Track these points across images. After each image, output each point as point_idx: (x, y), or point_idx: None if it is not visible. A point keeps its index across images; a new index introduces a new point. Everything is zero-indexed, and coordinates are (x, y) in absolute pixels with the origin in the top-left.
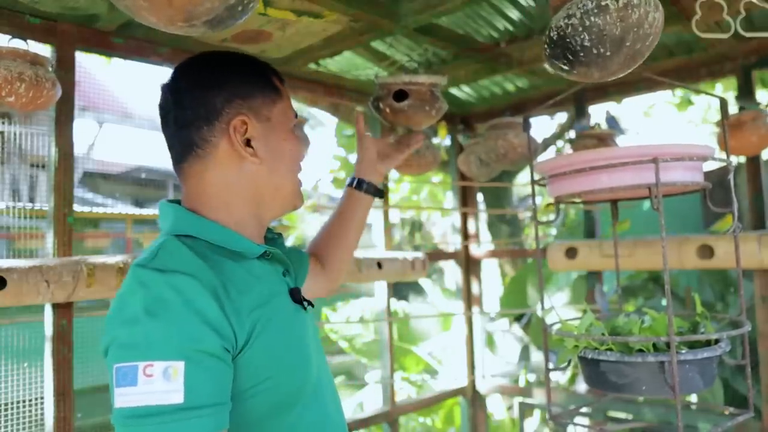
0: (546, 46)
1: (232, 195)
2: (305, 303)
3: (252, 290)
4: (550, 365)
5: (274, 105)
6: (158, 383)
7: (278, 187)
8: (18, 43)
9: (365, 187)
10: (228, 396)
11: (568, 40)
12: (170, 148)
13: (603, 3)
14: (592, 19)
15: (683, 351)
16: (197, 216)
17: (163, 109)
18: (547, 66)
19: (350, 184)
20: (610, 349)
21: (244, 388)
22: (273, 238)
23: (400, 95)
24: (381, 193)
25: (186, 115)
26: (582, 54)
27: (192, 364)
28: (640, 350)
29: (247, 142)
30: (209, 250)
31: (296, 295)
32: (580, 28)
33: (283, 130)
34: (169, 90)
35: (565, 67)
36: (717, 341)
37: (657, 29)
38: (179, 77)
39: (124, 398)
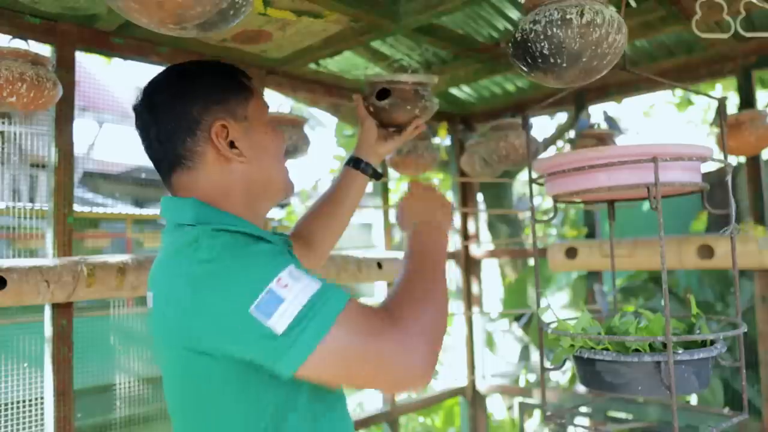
0: (510, 44)
1: (226, 196)
2: None
3: None
4: (547, 364)
5: (248, 103)
6: (294, 285)
7: (269, 180)
8: (19, 43)
9: (363, 167)
10: None
11: (529, 44)
12: (157, 163)
13: (568, 17)
14: (555, 29)
15: (679, 351)
16: (213, 208)
17: (142, 128)
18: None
19: (348, 163)
20: (607, 349)
21: None
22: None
23: (383, 93)
24: (378, 174)
25: (167, 130)
26: (540, 60)
27: (296, 262)
28: (636, 350)
29: (231, 144)
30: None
31: None
32: (542, 36)
33: (261, 124)
34: (144, 108)
35: (524, 69)
36: (713, 342)
37: (616, 50)
38: (152, 94)
39: (284, 318)
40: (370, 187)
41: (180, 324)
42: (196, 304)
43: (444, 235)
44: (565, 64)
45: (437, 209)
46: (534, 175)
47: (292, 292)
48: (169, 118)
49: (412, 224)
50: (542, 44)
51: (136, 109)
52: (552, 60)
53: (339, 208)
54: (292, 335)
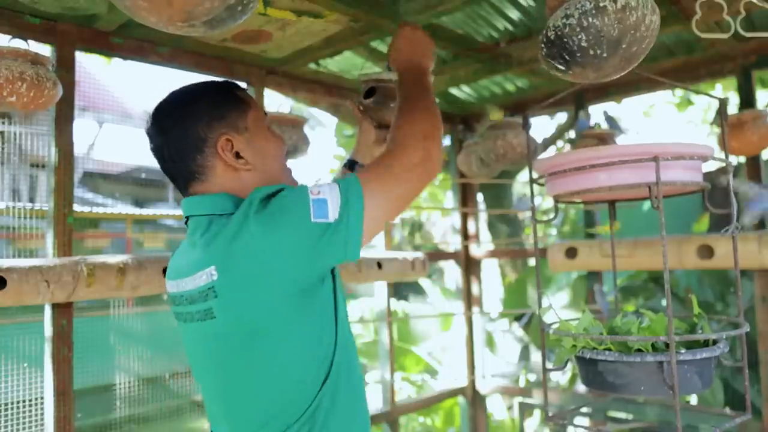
0: (542, 45)
1: (246, 192)
2: None
3: None
4: (549, 365)
5: (247, 115)
6: (324, 189)
7: (275, 181)
8: (19, 43)
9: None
10: None
11: (565, 40)
12: (173, 179)
13: (601, 4)
14: (590, 20)
15: (682, 351)
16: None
17: (156, 150)
18: (543, 65)
19: (346, 165)
20: (609, 349)
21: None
22: None
23: (370, 92)
24: None
25: (178, 150)
26: (579, 54)
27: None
28: (639, 350)
29: (237, 155)
30: None
31: None
32: (578, 29)
33: (261, 132)
34: (155, 133)
35: (561, 67)
36: (715, 342)
37: (653, 32)
38: (160, 119)
39: (333, 208)
40: None
41: (266, 270)
42: (274, 247)
43: (428, 71)
44: (605, 54)
45: (424, 50)
46: (535, 175)
47: (328, 193)
48: (178, 139)
49: (403, 62)
50: (579, 37)
51: (148, 133)
52: (591, 52)
53: None
54: (345, 217)
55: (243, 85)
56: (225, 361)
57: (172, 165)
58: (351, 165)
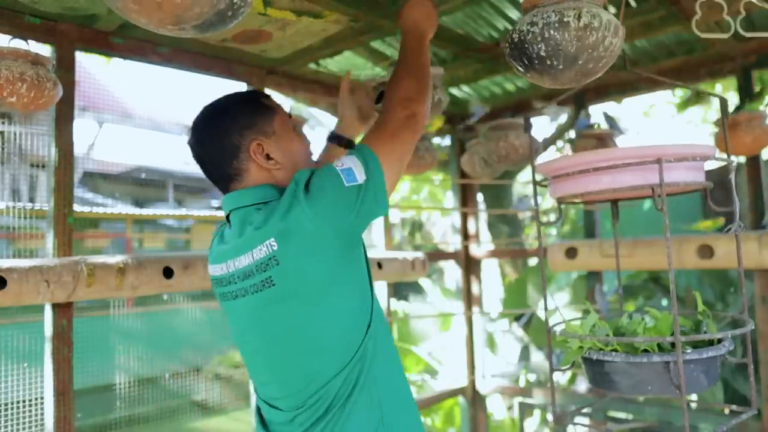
0: (507, 45)
1: (278, 185)
2: None
3: None
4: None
5: (273, 119)
6: (347, 159)
7: None
8: (19, 43)
9: (345, 143)
10: None
11: (526, 46)
12: (215, 182)
13: (565, 19)
14: (552, 32)
15: (688, 350)
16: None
17: (198, 159)
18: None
19: (330, 139)
20: (615, 350)
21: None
22: None
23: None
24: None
25: (216, 157)
26: (537, 62)
27: None
28: (645, 350)
29: (267, 156)
30: None
31: None
32: (539, 38)
33: (286, 134)
34: (195, 144)
35: (521, 69)
36: (720, 340)
37: (612, 53)
38: (198, 132)
39: (361, 174)
40: None
41: (318, 234)
42: (323, 215)
43: (428, 37)
44: (561, 67)
45: (430, 18)
46: (537, 177)
47: (350, 163)
48: (215, 149)
49: (410, 25)
50: (539, 46)
51: (190, 144)
52: (548, 62)
53: None
54: (371, 176)
55: (243, 85)
56: (282, 324)
57: (213, 170)
58: (339, 139)
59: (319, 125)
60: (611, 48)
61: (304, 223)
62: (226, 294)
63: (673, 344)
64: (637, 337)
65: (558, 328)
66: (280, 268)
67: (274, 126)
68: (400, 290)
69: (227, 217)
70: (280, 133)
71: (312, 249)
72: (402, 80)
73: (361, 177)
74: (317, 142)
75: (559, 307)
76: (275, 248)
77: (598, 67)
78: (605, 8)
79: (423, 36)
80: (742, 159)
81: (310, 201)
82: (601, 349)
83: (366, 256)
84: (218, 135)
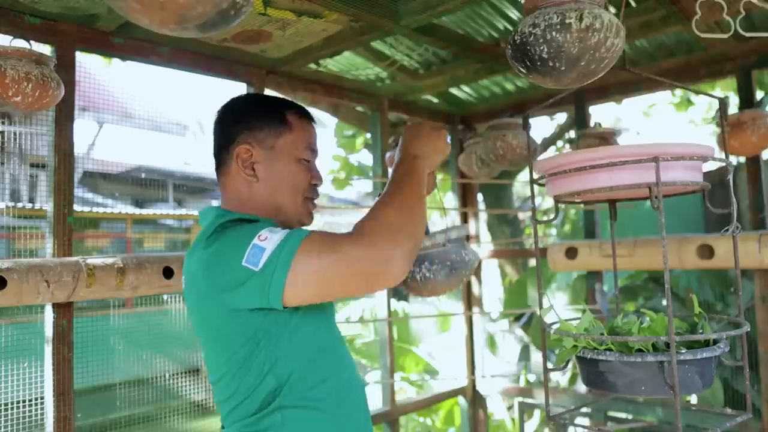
0: (509, 46)
1: (244, 204)
2: None
3: None
4: (549, 365)
5: (280, 136)
6: (273, 237)
7: (278, 205)
8: (21, 43)
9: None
10: None
11: (528, 47)
12: (216, 170)
13: (567, 21)
14: (554, 34)
15: (682, 351)
16: (232, 212)
17: (213, 139)
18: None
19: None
20: (610, 349)
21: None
22: None
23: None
24: None
25: (219, 142)
26: (539, 63)
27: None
28: (639, 350)
29: (252, 166)
30: None
31: None
32: (541, 40)
33: (286, 157)
34: (214, 123)
35: (522, 71)
36: (716, 341)
37: (614, 54)
38: (219, 114)
39: (264, 258)
40: (369, 186)
41: (205, 294)
42: (209, 278)
43: (424, 169)
44: (563, 68)
45: (437, 152)
46: (535, 176)
47: (270, 241)
48: (219, 133)
49: (409, 155)
50: (541, 48)
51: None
52: (551, 63)
53: None
54: (270, 267)
55: (243, 85)
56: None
57: (214, 152)
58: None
59: (319, 125)
60: (613, 49)
61: (197, 273)
62: None
63: (667, 344)
64: (631, 336)
65: (554, 327)
66: (188, 306)
67: (277, 142)
68: (400, 290)
69: None
70: (279, 154)
71: (196, 300)
72: (383, 209)
73: (262, 263)
74: (317, 142)
75: (554, 306)
76: (183, 286)
77: (600, 68)
78: (606, 9)
79: (419, 165)
80: (742, 159)
81: (206, 257)
82: (595, 348)
83: (311, 323)
84: (224, 121)
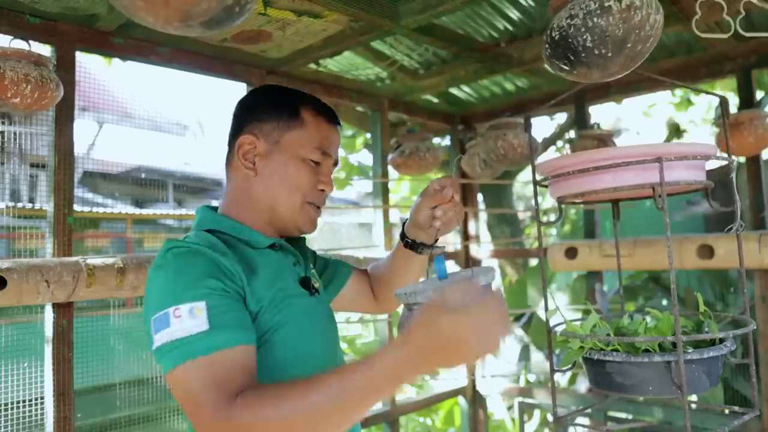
0: (547, 45)
1: (244, 199)
2: (312, 290)
3: (262, 268)
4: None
5: (288, 131)
6: (185, 321)
7: (273, 204)
8: (20, 44)
9: (420, 250)
10: (250, 323)
11: (570, 40)
12: None
13: (606, 4)
14: (595, 20)
15: (689, 351)
16: (216, 214)
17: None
18: (547, 66)
19: (406, 245)
20: (616, 350)
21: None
22: (295, 239)
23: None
24: (435, 248)
25: (230, 132)
26: (584, 54)
27: (213, 300)
28: (646, 350)
29: (254, 158)
30: (232, 240)
31: (304, 283)
32: (583, 29)
33: (289, 154)
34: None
35: (566, 67)
36: (722, 340)
37: (658, 30)
38: (236, 104)
39: (162, 338)
40: (369, 186)
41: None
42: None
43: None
44: (610, 54)
45: (448, 348)
46: (537, 177)
47: (178, 324)
48: (232, 123)
49: (417, 359)
50: (584, 37)
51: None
52: (596, 51)
53: (403, 280)
54: (160, 353)
55: (243, 85)
56: None
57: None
58: (414, 246)
59: None
60: (656, 26)
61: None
62: None
63: (674, 344)
64: (638, 336)
65: (559, 329)
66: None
67: (283, 137)
68: None
69: None
70: (284, 150)
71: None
72: (303, 409)
73: (159, 340)
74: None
75: (559, 308)
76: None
77: (645, 47)
78: None
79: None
80: (742, 159)
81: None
82: (602, 349)
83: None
84: (240, 111)
